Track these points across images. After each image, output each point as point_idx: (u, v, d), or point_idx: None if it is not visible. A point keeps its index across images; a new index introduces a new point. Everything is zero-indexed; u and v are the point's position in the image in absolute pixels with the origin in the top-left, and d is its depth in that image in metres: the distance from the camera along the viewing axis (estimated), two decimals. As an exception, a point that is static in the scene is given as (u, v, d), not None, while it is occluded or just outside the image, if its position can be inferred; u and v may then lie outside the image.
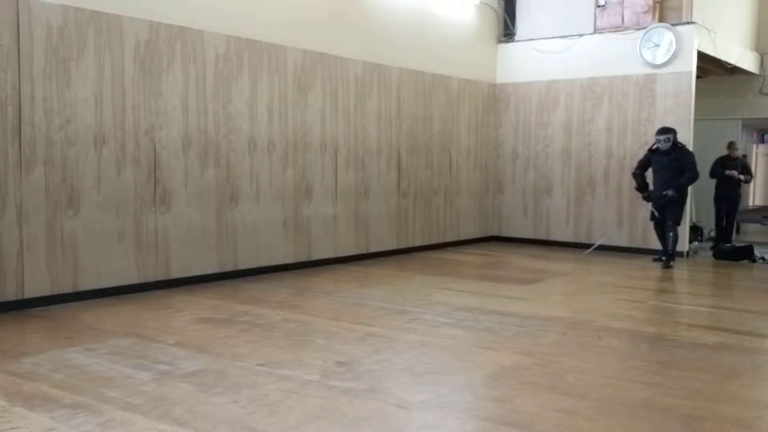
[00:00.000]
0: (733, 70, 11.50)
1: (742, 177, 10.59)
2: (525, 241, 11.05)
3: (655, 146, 8.96)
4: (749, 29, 11.77)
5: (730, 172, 10.45)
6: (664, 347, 4.94)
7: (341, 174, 8.60)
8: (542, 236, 10.89)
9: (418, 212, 9.89)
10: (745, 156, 12.25)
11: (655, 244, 9.48)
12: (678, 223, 8.94)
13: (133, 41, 6.41)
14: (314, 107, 8.19)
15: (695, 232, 10.80)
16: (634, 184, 9.33)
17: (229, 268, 7.35)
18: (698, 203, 11.61)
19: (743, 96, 12.08)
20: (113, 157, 6.31)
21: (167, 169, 6.73)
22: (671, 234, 8.86)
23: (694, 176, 8.90)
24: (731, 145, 10.84)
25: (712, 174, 10.62)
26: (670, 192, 8.75)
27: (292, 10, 7.90)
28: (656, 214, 9.02)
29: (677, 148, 8.86)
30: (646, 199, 9.18)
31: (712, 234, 11.69)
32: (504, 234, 11.29)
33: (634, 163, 9.90)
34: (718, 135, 12.12)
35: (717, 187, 10.76)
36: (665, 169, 8.82)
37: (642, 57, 9.81)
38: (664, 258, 8.94)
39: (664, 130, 8.91)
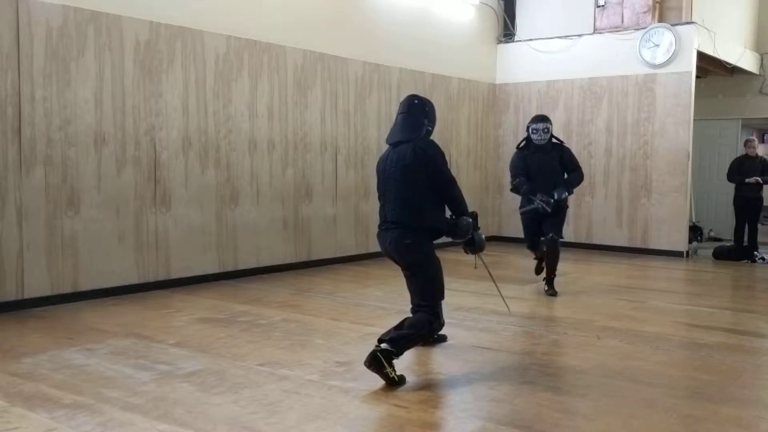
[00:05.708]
0: (733, 70, 11.49)
1: (760, 180, 9.36)
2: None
3: (523, 142, 6.97)
4: (749, 29, 11.76)
5: (750, 180, 9.31)
6: (664, 347, 4.94)
7: (341, 174, 8.60)
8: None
9: (418, 212, 9.86)
10: None
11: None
12: (561, 236, 6.91)
13: (133, 41, 6.41)
14: (314, 107, 8.19)
15: (695, 232, 10.78)
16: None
17: (229, 268, 7.35)
18: (698, 203, 11.62)
19: (743, 96, 12.06)
20: (113, 157, 6.31)
21: (167, 169, 6.73)
22: (552, 251, 6.84)
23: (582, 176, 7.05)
24: (748, 143, 9.72)
25: (730, 179, 9.61)
26: (561, 195, 6.73)
27: (292, 10, 7.90)
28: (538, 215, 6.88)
29: (555, 144, 6.89)
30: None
31: (712, 233, 11.68)
32: (504, 234, 11.28)
33: (634, 163, 9.89)
34: (718, 135, 12.14)
35: (736, 188, 9.61)
36: (547, 170, 6.83)
37: (642, 57, 9.80)
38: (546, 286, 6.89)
39: (541, 118, 6.87)
